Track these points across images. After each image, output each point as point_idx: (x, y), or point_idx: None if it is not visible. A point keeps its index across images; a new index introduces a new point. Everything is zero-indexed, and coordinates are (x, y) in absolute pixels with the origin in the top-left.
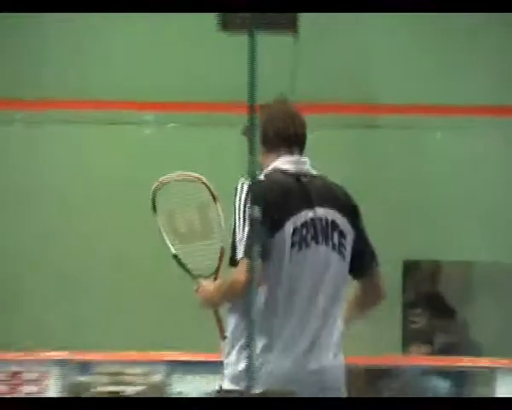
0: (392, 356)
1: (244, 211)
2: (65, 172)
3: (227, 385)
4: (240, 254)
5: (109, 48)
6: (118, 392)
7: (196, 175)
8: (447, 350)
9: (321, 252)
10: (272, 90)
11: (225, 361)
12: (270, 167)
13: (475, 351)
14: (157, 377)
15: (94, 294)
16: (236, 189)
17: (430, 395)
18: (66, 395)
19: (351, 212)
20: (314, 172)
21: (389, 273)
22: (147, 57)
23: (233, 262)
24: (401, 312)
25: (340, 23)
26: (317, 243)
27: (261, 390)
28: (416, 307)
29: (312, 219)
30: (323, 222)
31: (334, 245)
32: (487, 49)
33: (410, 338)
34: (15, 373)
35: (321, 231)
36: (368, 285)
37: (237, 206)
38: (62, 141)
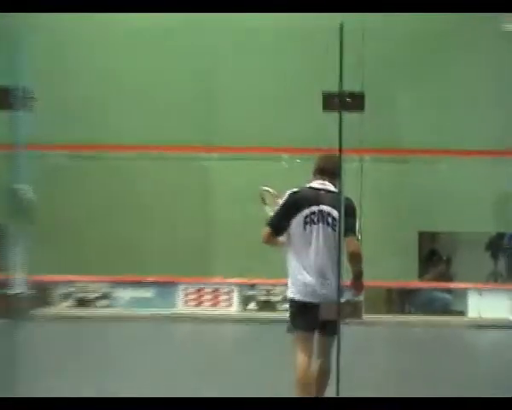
0: (413, 281)
1: (281, 204)
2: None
3: (288, 294)
4: (267, 223)
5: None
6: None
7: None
8: (442, 278)
9: (320, 227)
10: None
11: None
12: (306, 185)
13: (456, 279)
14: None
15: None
16: (285, 194)
17: (434, 302)
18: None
19: (344, 209)
20: (332, 189)
21: (411, 238)
22: (281, 115)
23: (266, 225)
24: (418, 259)
25: None
26: (319, 222)
27: (299, 296)
28: (426, 257)
29: (319, 211)
30: (324, 213)
31: (328, 224)
32: None
33: (422, 271)
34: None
35: (322, 217)
36: (348, 243)
37: (280, 201)
38: (237, 173)
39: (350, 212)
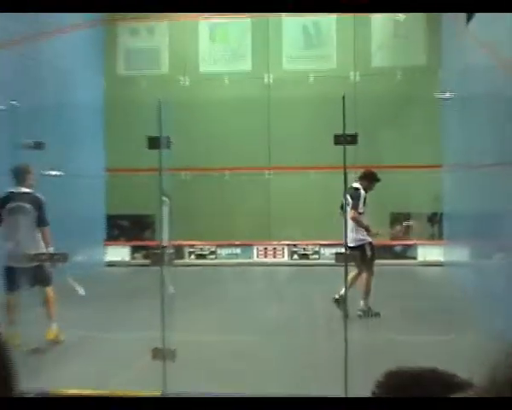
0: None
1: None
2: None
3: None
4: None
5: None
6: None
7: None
8: (403, 238)
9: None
10: None
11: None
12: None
13: (411, 239)
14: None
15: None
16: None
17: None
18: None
19: (352, 193)
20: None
21: (387, 215)
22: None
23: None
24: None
25: None
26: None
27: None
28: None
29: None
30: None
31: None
32: None
33: (392, 234)
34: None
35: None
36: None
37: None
38: (285, 181)
39: (355, 195)
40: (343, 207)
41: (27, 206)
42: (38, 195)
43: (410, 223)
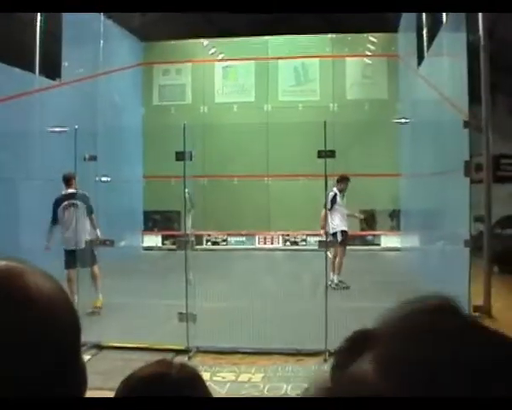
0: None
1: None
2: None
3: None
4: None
5: None
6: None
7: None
8: (370, 229)
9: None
10: None
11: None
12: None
13: (377, 230)
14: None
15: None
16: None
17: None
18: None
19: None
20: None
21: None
22: None
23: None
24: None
25: None
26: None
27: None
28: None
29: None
30: None
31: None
32: None
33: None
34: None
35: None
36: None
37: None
38: (281, 186)
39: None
40: (325, 205)
41: (77, 202)
42: (83, 192)
43: (362, 216)
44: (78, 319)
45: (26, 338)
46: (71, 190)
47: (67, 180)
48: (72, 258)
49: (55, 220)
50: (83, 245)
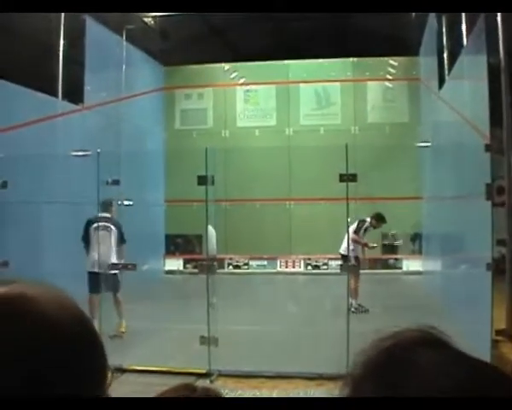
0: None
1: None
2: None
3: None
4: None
5: None
6: None
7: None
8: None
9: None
10: None
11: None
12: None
13: (399, 253)
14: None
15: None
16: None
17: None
18: None
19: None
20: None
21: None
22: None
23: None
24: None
25: None
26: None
27: None
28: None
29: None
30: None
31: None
32: None
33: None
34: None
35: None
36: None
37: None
38: (303, 209)
39: (361, 224)
40: (356, 230)
41: (111, 226)
42: (118, 220)
43: (375, 245)
44: (102, 346)
45: (41, 368)
46: (106, 214)
47: (106, 205)
48: (95, 281)
49: (85, 240)
50: (107, 269)
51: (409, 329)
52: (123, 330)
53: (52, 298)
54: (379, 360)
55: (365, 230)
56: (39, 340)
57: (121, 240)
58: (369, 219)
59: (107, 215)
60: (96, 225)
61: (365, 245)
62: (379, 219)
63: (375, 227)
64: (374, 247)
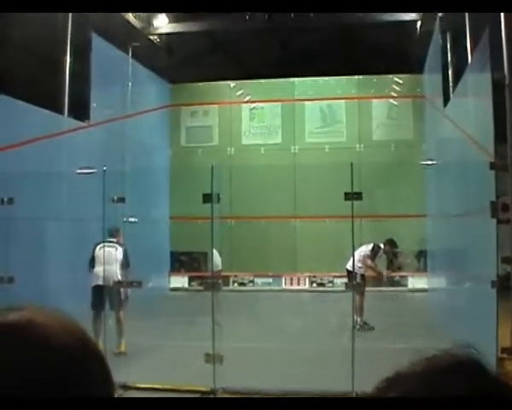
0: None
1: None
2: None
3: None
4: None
5: None
6: None
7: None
8: (398, 271)
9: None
10: None
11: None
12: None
13: (404, 271)
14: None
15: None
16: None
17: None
18: None
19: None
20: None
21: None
22: None
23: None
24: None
25: None
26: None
27: None
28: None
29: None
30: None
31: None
32: None
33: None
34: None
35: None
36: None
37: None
38: (308, 227)
39: (376, 250)
40: (372, 256)
41: (117, 245)
42: (124, 245)
43: (393, 274)
44: (107, 368)
45: (45, 392)
46: (112, 239)
47: (113, 232)
48: (98, 297)
49: (91, 261)
50: (110, 283)
51: (445, 352)
52: (122, 349)
53: (58, 324)
54: (410, 385)
55: (377, 254)
56: (43, 364)
57: (126, 264)
58: (382, 245)
59: (114, 240)
60: (103, 244)
61: (380, 275)
62: (391, 246)
63: (385, 253)
64: (391, 276)
